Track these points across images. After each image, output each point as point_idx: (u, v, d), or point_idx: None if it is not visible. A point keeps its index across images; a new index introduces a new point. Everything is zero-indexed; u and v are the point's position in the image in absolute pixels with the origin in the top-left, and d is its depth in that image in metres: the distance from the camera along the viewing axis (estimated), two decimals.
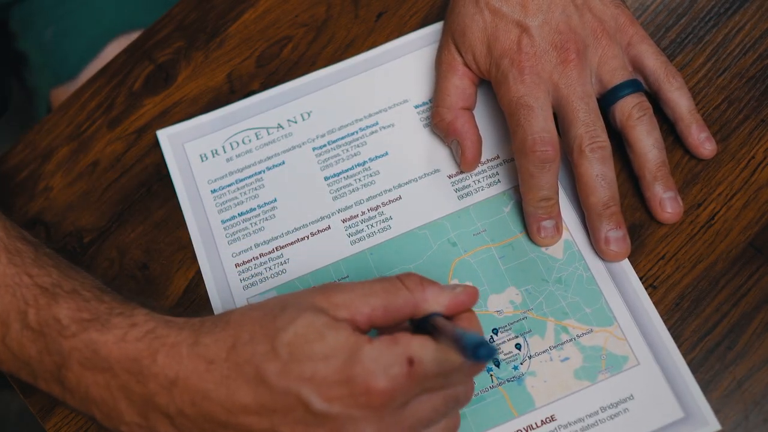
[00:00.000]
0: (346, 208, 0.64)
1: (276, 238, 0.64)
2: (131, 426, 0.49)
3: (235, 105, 0.69)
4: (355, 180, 0.65)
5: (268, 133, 0.68)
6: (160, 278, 0.64)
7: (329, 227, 0.64)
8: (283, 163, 0.67)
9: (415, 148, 0.66)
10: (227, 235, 0.64)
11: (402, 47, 0.69)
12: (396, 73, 0.69)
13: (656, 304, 0.59)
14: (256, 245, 0.64)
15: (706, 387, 0.56)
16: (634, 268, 0.60)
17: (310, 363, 0.45)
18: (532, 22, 0.60)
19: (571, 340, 0.58)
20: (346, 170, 0.66)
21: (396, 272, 0.61)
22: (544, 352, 0.58)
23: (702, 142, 0.62)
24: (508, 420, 0.56)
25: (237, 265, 0.63)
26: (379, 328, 0.49)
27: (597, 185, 0.58)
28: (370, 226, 0.63)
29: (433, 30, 0.70)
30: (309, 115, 0.68)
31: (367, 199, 0.64)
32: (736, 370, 0.57)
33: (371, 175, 0.65)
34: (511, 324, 0.59)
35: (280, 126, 0.68)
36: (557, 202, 0.60)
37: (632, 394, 0.56)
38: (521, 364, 0.58)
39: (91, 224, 0.66)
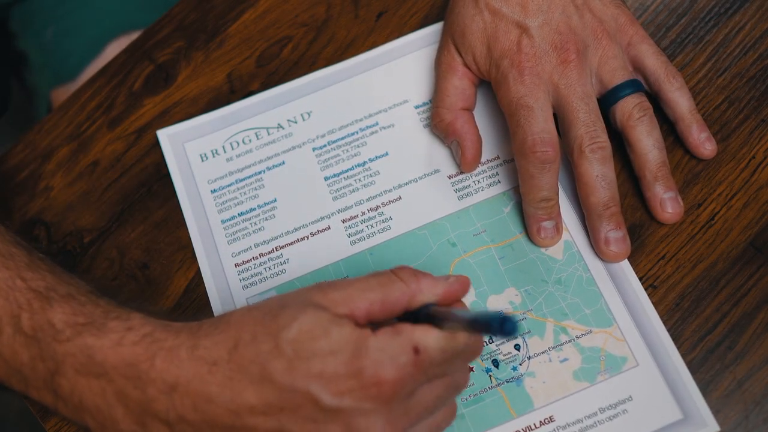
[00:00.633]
0: (346, 208, 0.64)
1: (276, 238, 0.64)
2: None
3: (235, 105, 0.69)
4: (355, 180, 0.65)
5: (268, 133, 0.68)
6: (160, 278, 0.64)
7: (329, 227, 0.64)
8: (283, 163, 0.67)
9: (415, 148, 0.66)
10: (227, 235, 0.65)
11: (402, 47, 0.69)
12: (396, 73, 0.69)
13: (656, 304, 0.59)
14: (256, 245, 0.64)
15: (706, 387, 0.56)
16: (635, 268, 0.60)
17: (316, 359, 0.45)
18: (532, 23, 0.60)
19: (570, 341, 0.58)
20: (346, 170, 0.66)
21: None
22: (543, 352, 0.58)
23: (702, 142, 0.62)
24: (507, 421, 0.56)
25: (237, 265, 0.63)
26: (377, 323, 0.49)
27: (597, 186, 0.58)
28: (370, 227, 0.63)
29: (433, 30, 0.69)
30: (309, 115, 0.68)
31: (367, 200, 0.64)
32: (736, 371, 0.57)
33: (371, 176, 0.65)
34: None
35: (280, 126, 0.68)
36: (557, 203, 0.60)
37: (631, 395, 0.56)
38: (520, 364, 0.58)
39: (91, 224, 0.66)
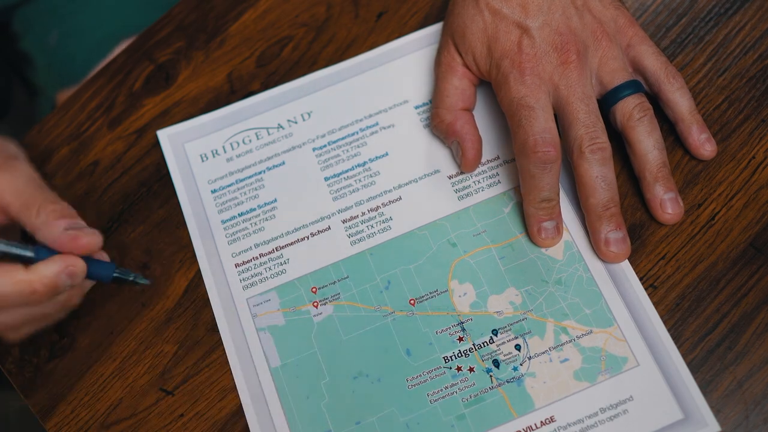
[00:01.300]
0: (346, 208, 0.64)
1: (276, 238, 0.64)
2: None
3: (235, 105, 0.69)
4: (355, 180, 0.65)
5: (269, 134, 0.68)
6: (161, 278, 0.64)
7: (329, 228, 0.64)
8: (284, 163, 0.67)
9: (416, 148, 0.66)
10: (227, 235, 0.65)
11: (402, 48, 0.69)
12: (396, 73, 0.69)
13: (656, 304, 0.59)
14: (256, 245, 0.64)
15: (706, 387, 0.56)
16: (635, 269, 0.60)
17: None
18: (533, 24, 0.60)
19: (570, 341, 0.58)
20: (347, 171, 0.66)
21: (396, 273, 0.61)
22: (543, 353, 0.58)
23: (702, 142, 0.62)
24: (508, 421, 0.57)
25: (237, 265, 0.63)
26: None
27: (597, 186, 0.58)
28: (370, 227, 0.63)
29: (433, 30, 0.70)
30: (309, 115, 0.68)
31: (367, 200, 0.64)
32: (736, 370, 0.57)
33: (371, 176, 0.65)
34: (511, 325, 0.59)
35: (280, 126, 0.68)
36: (558, 203, 0.60)
37: (632, 395, 0.56)
38: (521, 365, 0.58)
39: (91, 224, 0.66)
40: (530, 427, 0.56)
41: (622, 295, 0.59)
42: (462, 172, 0.64)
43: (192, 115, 0.69)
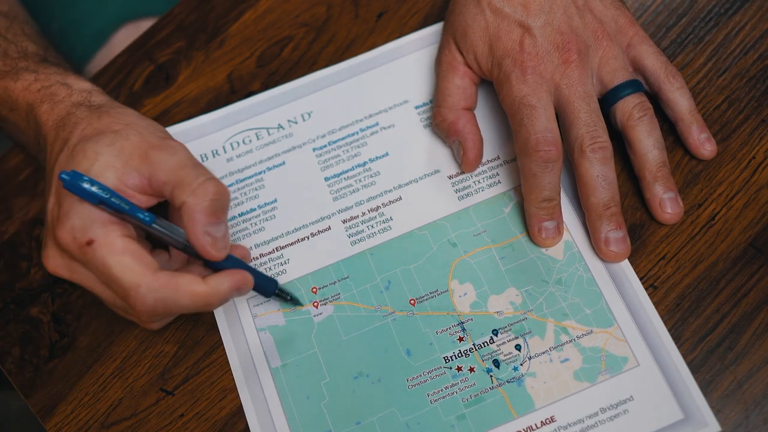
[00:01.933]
0: (347, 208, 0.64)
1: (276, 238, 0.64)
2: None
3: (235, 105, 0.69)
4: (355, 180, 0.65)
5: (269, 134, 0.68)
6: None
7: (329, 228, 0.64)
8: (284, 163, 0.67)
9: (416, 148, 0.66)
10: None
11: (402, 48, 0.69)
12: (396, 73, 0.69)
13: (657, 304, 0.59)
14: (257, 245, 0.64)
15: (706, 387, 0.56)
16: (635, 268, 0.60)
17: None
18: (534, 23, 0.60)
19: (571, 341, 0.58)
20: (347, 171, 0.66)
21: (397, 273, 0.61)
22: (544, 353, 0.58)
23: (702, 142, 0.62)
24: (508, 421, 0.57)
25: None
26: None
27: (597, 186, 0.58)
28: (370, 227, 0.63)
29: (433, 30, 0.70)
30: (309, 115, 0.68)
31: (368, 200, 0.64)
32: (736, 371, 0.57)
33: (372, 176, 0.65)
34: (511, 325, 0.59)
35: (280, 126, 0.68)
36: (559, 203, 0.60)
37: (632, 395, 0.56)
38: (521, 365, 0.58)
39: None
40: (530, 427, 0.56)
41: (623, 295, 0.59)
42: (462, 172, 0.64)
43: (192, 115, 0.69)
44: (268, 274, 0.63)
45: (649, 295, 0.59)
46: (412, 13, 0.71)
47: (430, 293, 0.61)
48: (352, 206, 0.64)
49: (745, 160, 0.62)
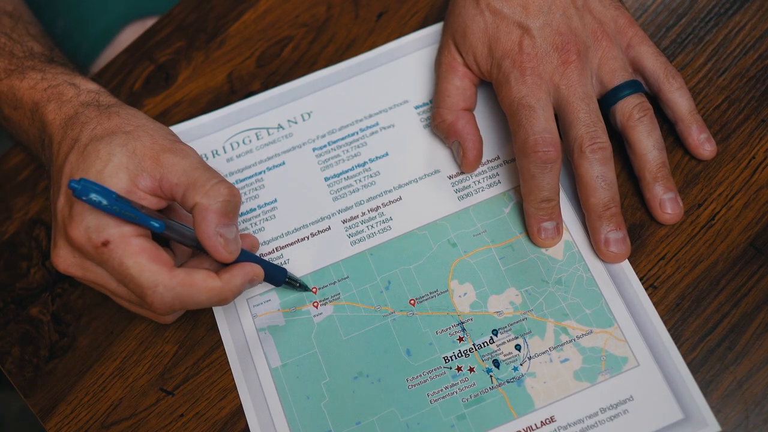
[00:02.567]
0: (347, 208, 0.64)
1: (276, 238, 0.64)
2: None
3: (235, 105, 0.69)
4: (355, 181, 0.65)
5: (269, 134, 0.68)
6: None
7: (329, 228, 0.64)
8: (284, 163, 0.67)
9: (416, 148, 0.66)
10: None
11: (402, 48, 0.69)
12: (396, 73, 0.69)
13: (657, 304, 0.59)
14: None
15: (706, 387, 0.56)
16: (635, 268, 0.60)
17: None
18: (534, 24, 0.60)
19: (570, 341, 0.58)
20: (347, 171, 0.66)
21: (397, 273, 0.61)
22: (543, 353, 0.58)
23: (702, 142, 0.62)
24: (508, 421, 0.57)
25: None
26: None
27: (597, 186, 0.58)
28: (370, 227, 0.63)
29: (433, 31, 0.70)
30: (309, 115, 0.68)
31: (368, 200, 0.64)
32: (736, 371, 0.57)
33: (371, 176, 0.65)
34: (511, 325, 0.59)
35: (280, 126, 0.68)
36: (558, 204, 0.60)
37: (632, 395, 0.56)
38: (521, 365, 0.58)
39: None
40: (530, 427, 0.56)
41: (622, 295, 0.59)
42: (462, 172, 0.64)
43: (192, 115, 0.69)
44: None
45: (649, 295, 0.59)
46: (412, 13, 0.71)
47: (430, 293, 0.61)
48: (352, 206, 0.64)
49: (744, 160, 0.62)
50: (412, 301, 0.61)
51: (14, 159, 0.70)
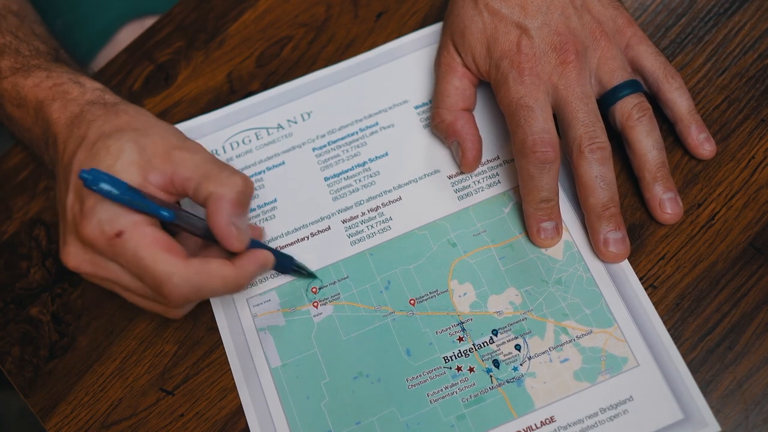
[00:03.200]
0: (346, 208, 0.64)
1: (276, 238, 0.64)
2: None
3: (235, 105, 0.69)
4: (355, 180, 0.65)
5: (268, 134, 0.68)
6: None
7: (329, 228, 0.64)
8: (283, 163, 0.67)
9: (415, 148, 0.66)
10: None
11: (402, 48, 0.69)
12: (396, 73, 0.69)
13: (656, 304, 0.59)
14: None
15: (706, 387, 0.56)
16: (635, 268, 0.60)
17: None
18: (532, 24, 0.60)
19: (570, 341, 0.58)
20: (346, 171, 0.66)
21: (396, 273, 0.62)
22: (543, 353, 0.58)
23: (701, 142, 0.62)
24: (508, 421, 0.57)
25: None
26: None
27: (596, 186, 0.58)
28: (370, 227, 0.63)
29: (432, 30, 0.70)
30: (309, 115, 0.68)
31: (367, 200, 0.64)
32: (736, 370, 0.57)
33: (371, 176, 0.65)
34: (511, 325, 0.59)
35: (280, 126, 0.68)
36: (557, 204, 0.60)
37: (632, 395, 0.56)
38: (521, 365, 0.58)
39: None
40: (530, 428, 0.56)
41: (622, 295, 0.59)
42: (462, 172, 0.64)
43: (192, 115, 0.69)
44: (268, 273, 0.63)
45: (648, 295, 0.59)
46: (411, 13, 0.71)
47: (430, 293, 0.61)
48: (352, 206, 0.64)
49: (744, 159, 0.62)
50: (412, 301, 0.61)
51: (14, 159, 0.70)
